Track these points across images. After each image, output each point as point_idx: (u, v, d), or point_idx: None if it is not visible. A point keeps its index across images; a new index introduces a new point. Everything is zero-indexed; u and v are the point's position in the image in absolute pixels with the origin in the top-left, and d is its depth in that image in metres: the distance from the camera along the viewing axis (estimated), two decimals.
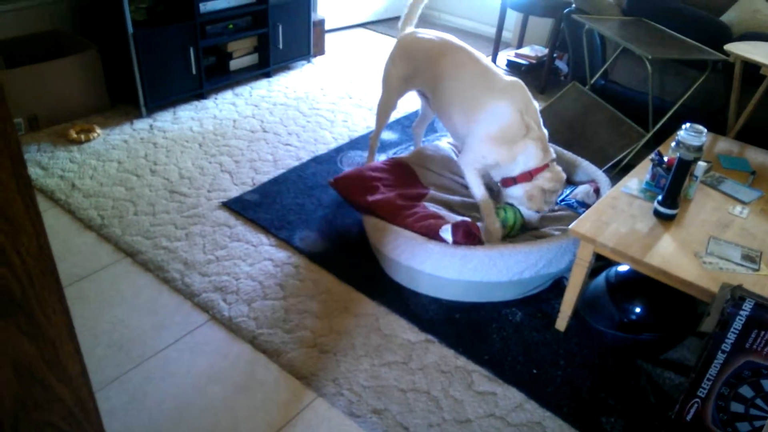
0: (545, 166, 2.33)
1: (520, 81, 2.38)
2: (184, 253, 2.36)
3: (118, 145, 3.07)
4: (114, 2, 3.04)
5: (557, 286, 2.34)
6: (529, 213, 2.40)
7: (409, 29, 2.69)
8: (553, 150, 2.40)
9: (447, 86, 2.45)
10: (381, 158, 3.10)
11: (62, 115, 3.20)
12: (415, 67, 2.58)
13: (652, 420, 1.85)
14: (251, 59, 3.89)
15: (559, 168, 2.39)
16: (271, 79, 3.95)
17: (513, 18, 4.88)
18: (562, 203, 2.58)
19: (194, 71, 3.44)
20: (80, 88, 3.22)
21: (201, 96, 3.60)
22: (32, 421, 0.94)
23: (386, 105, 2.76)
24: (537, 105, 2.40)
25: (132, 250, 2.36)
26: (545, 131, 2.38)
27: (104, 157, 2.95)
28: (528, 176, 2.33)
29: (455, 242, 2.16)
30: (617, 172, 2.99)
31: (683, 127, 2.06)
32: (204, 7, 3.37)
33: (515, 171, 2.35)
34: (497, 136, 2.31)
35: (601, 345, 2.09)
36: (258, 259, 2.36)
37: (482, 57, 2.47)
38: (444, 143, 2.85)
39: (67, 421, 1.00)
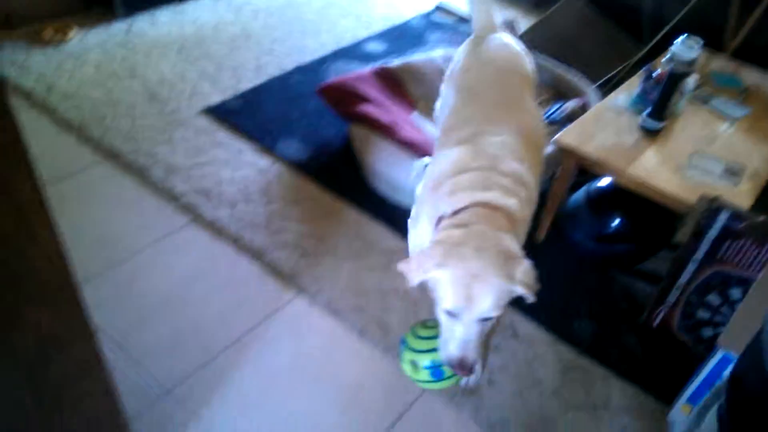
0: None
1: None
2: (165, 157, 2.33)
3: (94, 47, 2.95)
4: None
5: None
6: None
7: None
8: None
9: None
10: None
11: (36, 15, 3.05)
12: None
13: (621, 324, 1.91)
14: None
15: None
16: None
17: None
18: (548, 119, 2.55)
19: None
20: None
21: None
22: None
23: None
24: None
25: (113, 152, 2.32)
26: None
27: (81, 59, 2.85)
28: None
29: None
30: (609, 88, 2.94)
31: (679, 39, 2.01)
32: None
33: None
34: None
35: (577, 255, 2.12)
36: (240, 166, 2.34)
37: None
38: (437, 54, 2.76)
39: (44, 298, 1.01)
